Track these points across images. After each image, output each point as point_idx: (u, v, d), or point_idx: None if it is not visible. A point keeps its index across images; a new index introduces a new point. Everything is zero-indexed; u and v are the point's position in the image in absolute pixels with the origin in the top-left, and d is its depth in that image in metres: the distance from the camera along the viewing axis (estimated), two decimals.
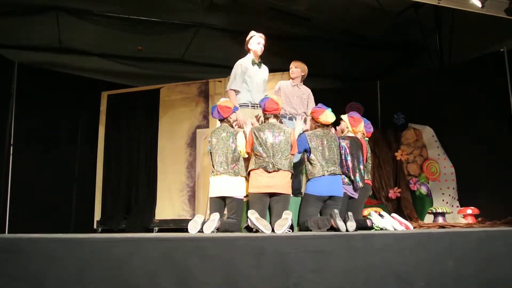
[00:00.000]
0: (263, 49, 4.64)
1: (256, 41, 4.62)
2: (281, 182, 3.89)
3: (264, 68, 4.76)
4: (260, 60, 4.69)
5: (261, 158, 3.92)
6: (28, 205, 6.92)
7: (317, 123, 4.21)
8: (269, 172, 3.87)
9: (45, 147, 7.31)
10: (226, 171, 3.97)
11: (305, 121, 4.64)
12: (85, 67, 8.13)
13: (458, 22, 7.56)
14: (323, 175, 3.98)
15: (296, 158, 4.41)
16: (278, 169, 3.88)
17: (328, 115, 4.16)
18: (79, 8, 6.96)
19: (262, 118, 4.27)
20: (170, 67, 8.45)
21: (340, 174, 4.10)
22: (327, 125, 4.21)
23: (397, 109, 8.04)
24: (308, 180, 4.09)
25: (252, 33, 4.69)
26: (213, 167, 4.06)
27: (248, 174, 4.03)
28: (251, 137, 4.01)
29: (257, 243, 2.51)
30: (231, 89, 4.58)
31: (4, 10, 6.64)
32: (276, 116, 4.12)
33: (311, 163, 4.05)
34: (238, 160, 4.05)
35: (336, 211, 3.62)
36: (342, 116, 4.54)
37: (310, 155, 4.07)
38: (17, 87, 7.10)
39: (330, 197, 4.02)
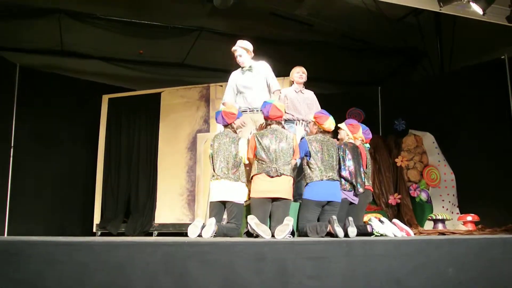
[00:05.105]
0: (243, 62, 4.57)
1: (237, 53, 4.57)
2: (283, 187, 3.88)
3: (256, 71, 4.61)
4: (250, 66, 4.59)
5: (264, 163, 3.91)
6: (27, 208, 6.91)
7: (319, 129, 4.21)
8: (272, 177, 3.87)
9: (45, 150, 7.31)
10: (226, 176, 3.97)
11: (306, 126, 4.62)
12: (87, 70, 8.15)
13: (459, 28, 7.58)
14: (322, 180, 3.98)
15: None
16: (281, 174, 3.87)
17: (331, 122, 4.18)
18: (81, 11, 7.01)
19: (264, 124, 4.25)
20: (171, 71, 8.47)
21: (338, 180, 4.10)
22: (328, 132, 4.22)
23: (398, 115, 8.05)
24: (306, 184, 4.08)
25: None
26: (214, 171, 4.05)
27: (251, 179, 4.02)
28: (254, 142, 3.99)
29: (257, 249, 2.50)
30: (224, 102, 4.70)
31: (6, 13, 6.66)
32: (278, 122, 4.10)
33: (310, 167, 4.04)
34: (239, 166, 4.04)
35: (334, 217, 3.61)
36: (340, 125, 4.52)
37: (309, 159, 4.06)
38: (18, 90, 7.11)
39: (328, 202, 4.01)
